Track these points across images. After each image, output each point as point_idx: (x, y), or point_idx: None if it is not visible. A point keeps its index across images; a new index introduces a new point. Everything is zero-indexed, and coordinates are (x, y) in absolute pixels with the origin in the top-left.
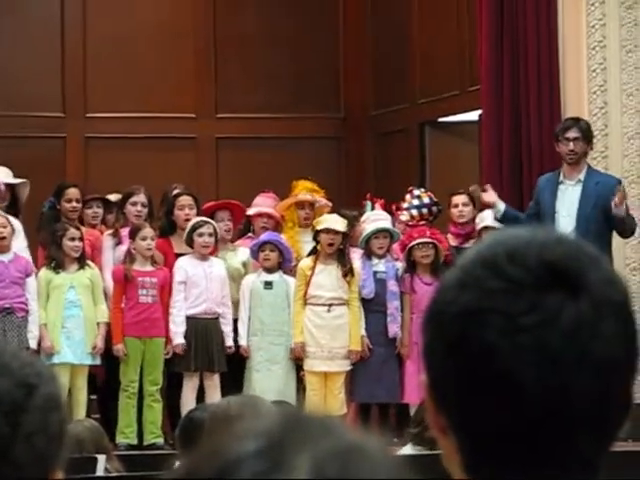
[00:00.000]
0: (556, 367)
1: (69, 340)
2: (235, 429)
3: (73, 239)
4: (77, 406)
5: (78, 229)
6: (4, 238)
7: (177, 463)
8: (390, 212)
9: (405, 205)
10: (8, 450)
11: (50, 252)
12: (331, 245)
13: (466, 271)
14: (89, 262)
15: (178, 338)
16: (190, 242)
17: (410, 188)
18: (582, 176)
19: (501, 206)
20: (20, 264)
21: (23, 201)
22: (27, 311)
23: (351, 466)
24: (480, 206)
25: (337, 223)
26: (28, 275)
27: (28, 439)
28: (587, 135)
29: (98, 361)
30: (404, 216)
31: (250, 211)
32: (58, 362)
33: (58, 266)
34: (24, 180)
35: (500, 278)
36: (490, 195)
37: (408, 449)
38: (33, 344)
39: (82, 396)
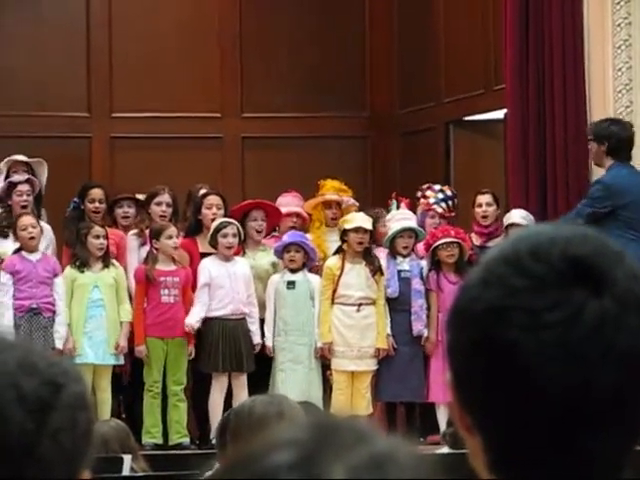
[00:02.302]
0: (580, 363)
1: (91, 340)
2: (268, 436)
3: (98, 237)
4: (101, 406)
5: (103, 227)
6: (33, 238)
7: (216, 464)
8: (414, 211)
9: (432, 200)
10: (34, 448)
11: (75, 250)
12: (361, 244)
13: (489, 269)
14: (114, 261)
15: (191, 319)
16: (214, 243)
17: (427, 185)
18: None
19: None
20: (48, 264)
21: (44, 182)
22: (54, 311)
23: (386, 475)
24: (504, 206)
25: (366, 222)
26: (56, 275)
27: (55, 437)
28: (595, 134)
29: (121, 361)
30: (440, 208)
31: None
32: (80, 362)
33: (83, 264)
34: (39, 159)
35: (523, 275)
36: None
37: (445, 449)
38: (59, 344)
39: (106, 396)
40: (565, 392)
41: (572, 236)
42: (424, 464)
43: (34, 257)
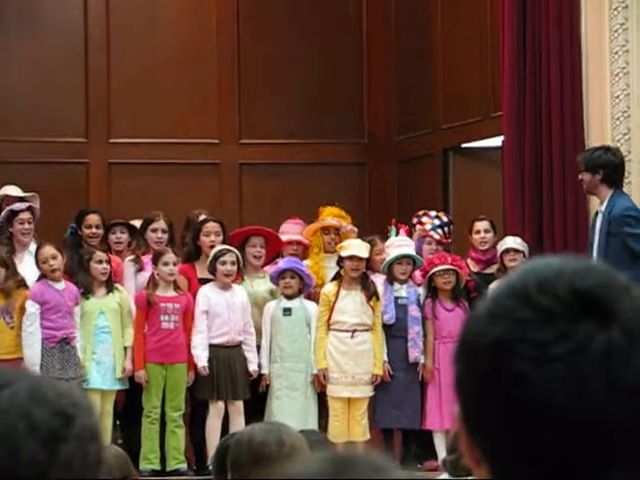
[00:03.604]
0: (588, 396)
1: (99, 366)
2: (286, 471)
3: (100, 262)
4: (105, 432)
5: (105, 252)
6: (54, 271)
7: None
8: (411, 237)
9: (429, 227)
10: (46, 477)
11: (78, 278)
12: (355, 271)
13: (496, 301)
14: (117, 285)
15: (201, 361)
16: (212, 270)
17: (422, 212)
18: (603, 206)
19: None
20: (71, 292)
21: (38, 215)
22: (76, 339)
23: None
24: (502, 233)
25: (361, 250)
26: (77, 303)
27: (66, 467)
28: (587, 165)
29: (127, 385)
30: (436, 235)
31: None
32: (88, 388)
33: (87, 291)
34: (33, 194)
35: (531, 308)
36: None
37: (445, 476)
38: (86, 369)
39: (108, 422)
40: (575, 426)
41: (578, 269)
42: None
43: (59, 286)
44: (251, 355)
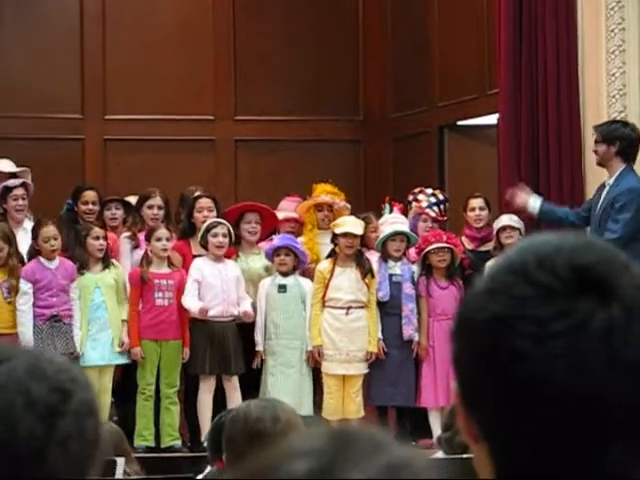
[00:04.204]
0: (588, 373)
1: (95, 342)
2: (285, 445)
3: (97, 238)
4: (102, 409)
5: (102, 228)
6: (54, 251)
7: (208, 468)
8: (407, 215)
9: (425, 204)
10: (43, 454)
11: (75, 253)
12: (350, 248)
13: (494, 278)
14: (114, 261)
15: (197, 305)
16: (204, 243)
17: (419, 189)
18: (611, 180)
19: (537, 203)
20: (66, 270)
21: (32, 191)
22: (71, 316)
23: None
24: (497, 210)
25: (356, 227)
26: (73, 280)
27: (63, 443)
28: (605, 136)
29: (125, 359)
30: (432, 212)
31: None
32: (84, 365)
33: (82, 267)
34: (25, 168)
35: (530, 284)
36: (520, 197)
37: (440, 454)
38: (80, 348)
39: (106, 398)
40: (575, 403)
41: (578, 245)
42: (439, 472)
43: (53, 265)
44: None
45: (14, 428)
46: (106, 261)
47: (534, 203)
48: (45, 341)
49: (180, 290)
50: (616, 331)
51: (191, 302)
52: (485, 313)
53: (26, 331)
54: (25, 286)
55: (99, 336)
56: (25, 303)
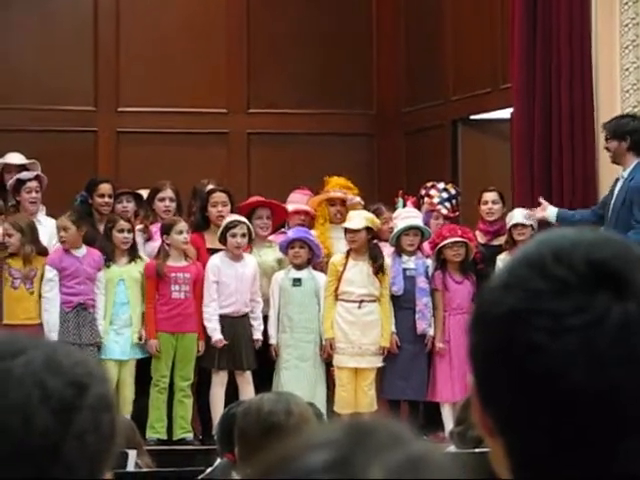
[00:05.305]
0: (604, 368)
1: (118, 335)
2: (304, 437)
3: (122, 230)
4: (123, 402)
5: (128, 221)
6: (64, 242)
7: (217, 460)
8: (419, 208)
9: (436, 200)
10: (59, 448)
11: (100, 244)
12: (352, 242)
13: (511, 272)
14: (141, 254)
15: (217, 334)
16: (223, 240)
17: (430, 184)
18: (627, 172)
19: (552, 213)
20: (93, 259)
21: (45, 184)
22: (94, 305)
23: (422, 476)
24: (510, 204)
25: (354, 222)
26: (99, 269)
27: (79, 438)
28: (615, 132)
29: (145, 354)
30: (444, 209)
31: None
32: (106, 358)
33: (109, 259)
34: (33, 160)
35: (546, 278)
36: (541, 211)
37: (452, 448)
38: (105, 337)
39: (128, 392)
40: (592, 397)
41: (595, 240)
42: (458, 466)
43: (80, 253)
44: (256, 323)
45: (30, 422)
46: (132, 254)
47: (551, 213)
48: (71, 330)
49: (197, 283)
50: (633, 326)
51: (213, 328)
52: (501, 307)
53: (50, 319)
54: (50, 273)
55: (123, 331)
56: (50, 290)
